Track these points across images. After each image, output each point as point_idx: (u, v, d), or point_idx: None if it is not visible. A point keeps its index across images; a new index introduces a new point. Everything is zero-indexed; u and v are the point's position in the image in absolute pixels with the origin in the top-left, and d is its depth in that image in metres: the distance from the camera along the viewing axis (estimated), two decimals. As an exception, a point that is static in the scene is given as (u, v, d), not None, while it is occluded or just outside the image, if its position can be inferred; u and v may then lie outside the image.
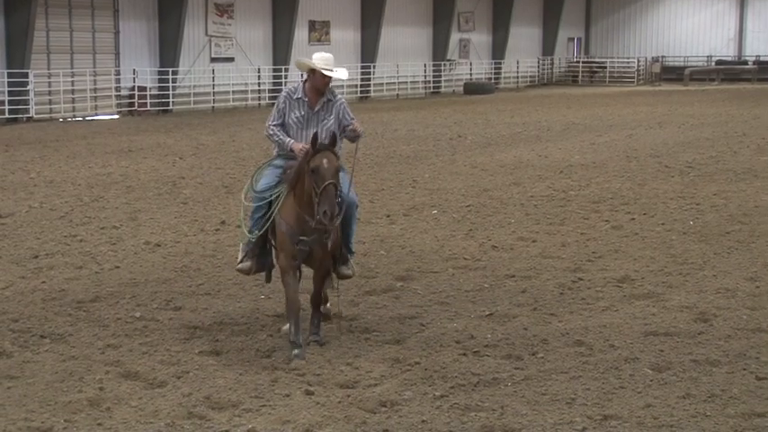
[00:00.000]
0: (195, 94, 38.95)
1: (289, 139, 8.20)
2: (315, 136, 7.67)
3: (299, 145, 8.00)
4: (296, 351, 7.64)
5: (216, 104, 39.69)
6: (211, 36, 40.24)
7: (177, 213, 14.74)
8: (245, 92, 41.60)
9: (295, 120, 8.28)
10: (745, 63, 61.30)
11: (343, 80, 8.71)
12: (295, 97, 8.37)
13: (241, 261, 8.39)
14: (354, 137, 8.34)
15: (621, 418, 6.38)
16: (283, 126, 8.30)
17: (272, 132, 8.32)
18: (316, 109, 8.31)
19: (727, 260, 11.11)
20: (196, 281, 10.39)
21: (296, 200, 7.77)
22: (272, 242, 8.21)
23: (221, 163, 21.21)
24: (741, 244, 11.96)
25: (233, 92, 40.77)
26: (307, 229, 7.70)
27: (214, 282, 10.35)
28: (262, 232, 8.10)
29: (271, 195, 8.04)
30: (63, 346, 8.03)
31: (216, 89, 40.15)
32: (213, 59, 40.37)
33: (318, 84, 8.35)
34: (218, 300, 9.60)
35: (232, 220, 14.07)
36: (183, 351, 7.90)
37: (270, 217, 7.98)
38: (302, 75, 8.75)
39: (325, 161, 7.48)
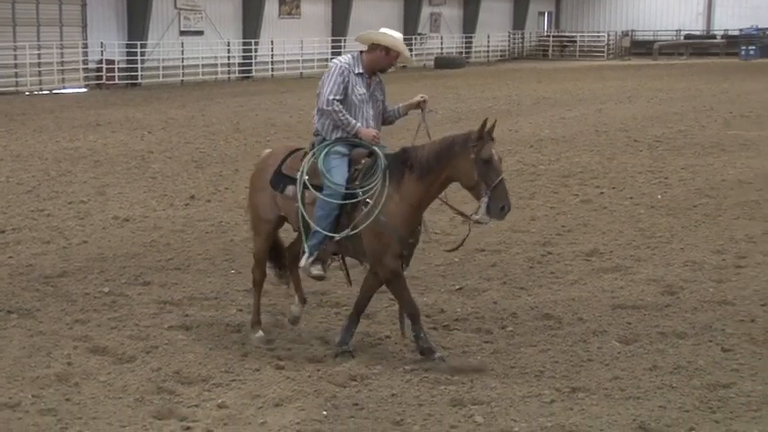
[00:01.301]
0: (164, 68, 38.65)
1: (355, 121, 7.20)
2: (485, 122, 6.96)
3: (371, 132, 7.25)
4: (438, 354, 7.02)
5: (185, 78, 39.41)
6: (180, 9, 39.92)
7: (146, 188, 14.65)
8: (215, 65, 41.34)
9: (359, 97, 7.27)
10: (714, 37, 61.57)
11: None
12: (356, 72, 7.28)
13: (311, 264, 7.30)
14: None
15: (589, 390, 6.44)
16: (342, 103, 7.20)
17: (337, 109, 7.12)
18: (372, 88, 7.40)
19: (695, 233, 11.19)
20: (165, 256, 10.35)
21: (406, 195, 7.02)
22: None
23: (191, 137, 21.08)
24: (708, 217, 12.05)
25: (202, 65, 40.51)
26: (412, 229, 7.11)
27: (184, 257, 10.32)
28: (354, 232, 7.04)
29: (362, 192, 7.02)
30: (31, 322, 7.98)
31: (185, 63, 39.86)
32: (182, 33, 40.07)
33: (384, 64, 7.40)
34: (187, 275, 9.57)
35: (202, 195, 14.02)
36: (152, 326, 7.88)
37: (371, 215, 6.96)
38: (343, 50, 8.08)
39: (495, 152, 6.86)
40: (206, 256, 10.34)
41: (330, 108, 7.13)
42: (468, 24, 58.32)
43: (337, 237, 7.10)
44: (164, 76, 38.45)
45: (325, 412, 6.14)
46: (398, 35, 7.41)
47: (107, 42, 36.02)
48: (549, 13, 67.29)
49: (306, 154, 7.36)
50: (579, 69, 47.64)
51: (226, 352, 7.26)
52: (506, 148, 18.76)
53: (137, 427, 5.95)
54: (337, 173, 7.08)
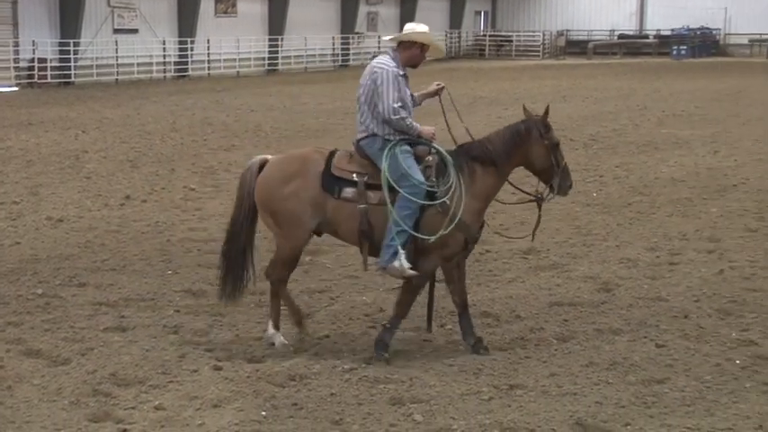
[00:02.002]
0: (98, 66, 38.17)
1: (415, 123, 7.29)
2: (547, 109, 7.45)
3: (431, 129, 7.35)
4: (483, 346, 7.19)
5: (119, 77, 38.95)
6: (114, 7, 39.45)
7: (80, 188, 14.46)
8: (150, 64, 40.93)
9: (408, 98, 7.32)
10: (646, 37, 62.47)
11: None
12: (401, 73, 7.27)
13: (408, 266, 7.00)
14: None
15: (527, 388, 6.49)
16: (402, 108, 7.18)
17: (403, 116, 7.15)
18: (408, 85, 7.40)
19: (629, 231, 11.34)
20: (100, 256, 10.22)
21: (482, 191, 7.18)
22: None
23: (126, 137, 20.84)
24: (642, 215, 12.22)
25: (137, 64, 40.07)
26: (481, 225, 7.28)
27: (119, 257, 10.20)
28: (445, 232, 6.93)
29: (443, 192, 7.02)
30: (-38, 325, 7.83)
31: (119, 61, 39.39)
32: (116, 31, 39.60)
33: (419, 60, 7.49)
34: (123, 275, 9.46)
35: (137, 195, 13.88)
36: (87, 328, 7.77)
37: (452, 216, 6.96)
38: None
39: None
40: (142, 256, 10.23)
41: (397, 117, 7.12)
42: (406, 23, 58.33)
43: (432, 239, 6.97)
44: (98, 74, 37.97)
45: (264, 413, 6.10)
46: (426, 28, 7.46)
47: (39, 41, 35.46)
48: (486, 13, 67.71)
49: (351, 155, 7.25)
50: (515, 69, 48.01)
51: (163, 353, 7.19)
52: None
53: (72, 431, 5.86)
54: (415, 171, 7.04)
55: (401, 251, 6.96)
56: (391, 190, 6.97)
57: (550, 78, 39.47)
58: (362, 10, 54.36)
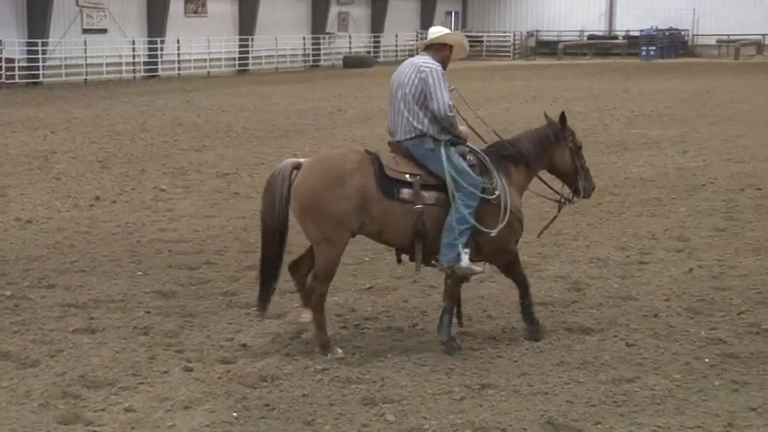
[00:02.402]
0: (67, 66, 37.96)
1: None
2: (563, 114, 7.90)
3: (465, 129, 7.45)
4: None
5: (89, 77, 38.75)
6: (83, 6, 39.24)
7: (49, 189, 14.36)
8: (120, 64, 40.74)
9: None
10: (616, 38, 62.86)
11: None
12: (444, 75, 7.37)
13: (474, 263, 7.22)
14: None
15: (498, 387, 6.50)
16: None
17: (454, 113, 7.24)
18: None
19: (599, 231, 11.40)
20: (70, 258, 10.15)
21: (518, 187, 7.47)
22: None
23: (95, 137, 20.72)
24: (612, 215, 12.29)
25: (106, 64, 39.87)
26: None
27: (89, 258, 10.13)
28: (502, 225, 7.15)
29: (494, 187, 7.20)
30: (-70, 327, 7.75)
31: (88, 61, 39.19)
32: (85, 31, 39.40)
33: (448, 61, 7.52)
34: (93, 277, 9.40)
35: (107, 196, 13.80)
36: (56, 330, 7.71)
37: (508, 208, 7.16)
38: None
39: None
40: (112, 257, 10.17)
41: (452, 114, 7.21)
42: (377, 24, 58.50)
43: (494, 232, 7.15)
44: (66, 74, 37.75)
45: (235, 414, 6.08)
46: (446, 29, 7.63)
47: (6, 40, 35.21)
48: (456, 13, 67.86)
49: (394, 156, 7.26)
50: (486, 69, 48.16)
51: (133, 355, 7.15)
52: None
53: (41, 434, 5.82)
54: (470, 170, 7.19)
55: (465, 250, 7.08)
56: (445, 189, 7.07)
57: (521, 79, 39.61)
58: (333, 10, 54.33)
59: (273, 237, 7.21)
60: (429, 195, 7.12)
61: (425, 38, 7.61)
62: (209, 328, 7.80)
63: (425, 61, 7.29)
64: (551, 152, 7.67)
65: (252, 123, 23.60)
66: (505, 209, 7.17)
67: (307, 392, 6.42)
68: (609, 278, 9.30)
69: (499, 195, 7.18)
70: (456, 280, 7.34)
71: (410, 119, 7.23)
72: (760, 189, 13.94)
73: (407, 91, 7.23)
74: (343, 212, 6.95)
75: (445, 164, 7.10)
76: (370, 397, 6.35)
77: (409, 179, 7.08)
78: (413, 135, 7.23)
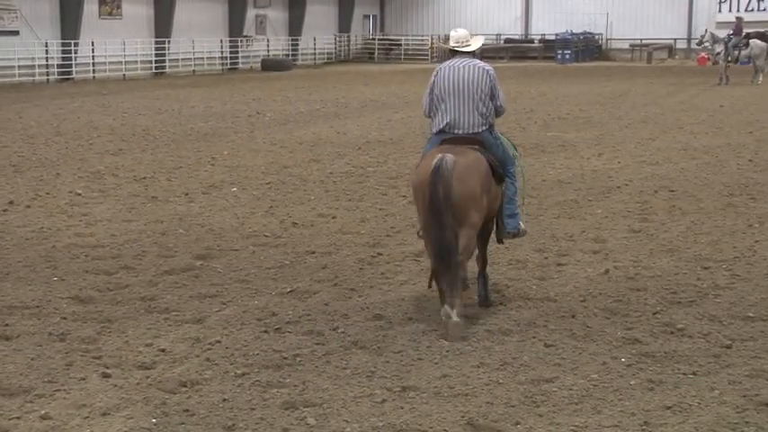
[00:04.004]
0: (-23, 69, 37.14)
1: None
2: None
3: None
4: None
5: (0, 80, 37.94)
6: (-6, 8, 38.44)
7: (-39, 193, 14.03)
8: (32, 66, 40.00)
9: None
10: (532, 42, 63.65)
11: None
12: None
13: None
14: None
15: (419, 389, 6.53)
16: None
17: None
18: None
19: (518, 233, 11.50)
20: (-17, 264, 9.93)
21: None
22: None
23: (7, 141, 20.31)
24: (530, 217, 12.41)
25: (18, 66, 39.11)
26: None
27: (2, 264, 9.92)
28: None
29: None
30: None
31: (0, 63, 38.39)
32: (-4, 32, 38.61)
33: None
34: (6, 283, 9.20)
35: (21, 200, 13.54)
36: (-31, 337, 7.54)
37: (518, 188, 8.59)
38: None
39: None
40: (26, 263, 9.98)
41: (506, 108, 8.56)
42: (295, 27, 58.37)
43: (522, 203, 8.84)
44: (-23, 77, 36.94)
45: (154, 420, 6.01)
46: (460, 33, 8.45)
47: None
48: (374, 17, 68.06)
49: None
50: (405, 72, 48.35)
51: (49, 361, 7.02)
52: (335, 151, 18.88)
53: (-46, 444, 5.68)
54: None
55: (521, 219, 8.68)
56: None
57: (439, 82, 39.76)
58: (251, 13, 54.08)
59: (449, 223, 7.61)
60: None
61: (450, 39, 8.43)
62: (128, 333, 7.70)
63: (483, 64, 8.32)
64: None
65: (169, 126, 23.37)
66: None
67: (227, 397, 6.38)
68: (527, 280, 9.41)
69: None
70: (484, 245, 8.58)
71: (485, 113, 8.18)
72: (673, 191, 14.24)
73: (482, 89, 8.16)
74: (488, 199, 7.99)
75: (512, 149, 8.62)
76: (291, 401, 6.33)
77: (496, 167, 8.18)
78: (486, 127, 8.22)
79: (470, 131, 8.10)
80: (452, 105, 8.10)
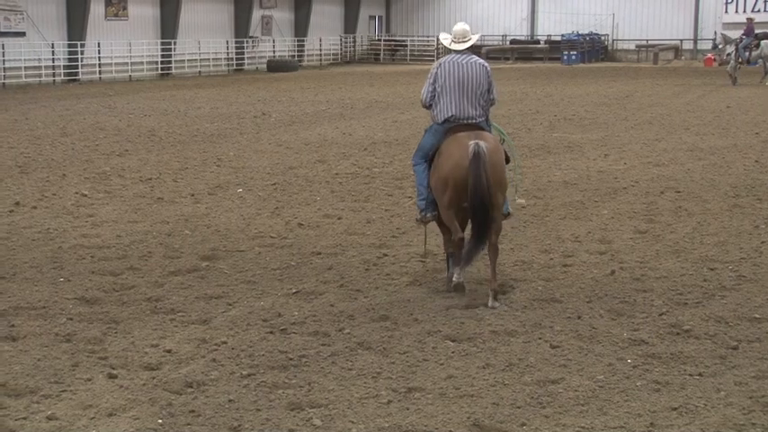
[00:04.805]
0: (-17, 70, 37.22)
1: None
2: None
3: None
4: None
5: (7, 81, 38.06)
6: (0, 9, 38.47)
7: (-33, 194, 14.06)
8: (39, 68, 40.07)
9: None
10: (538, 42, 63.60)
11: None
12: None
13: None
14: None
15: (425, 390, 6.53)
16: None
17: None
18: None
19: (524, 234, 11.51)
20: (-11, 265, 9.95)
21: None
22: None
23: (14, 142, 20.35)
24: (536, 218, 12.42)
25: (25, 68, 39.18)
26: None
27: (9, 265, 9.94)
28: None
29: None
30: None
31: (6, 65, 38.48)
32: (2, 34, 38.67)
33: None
34: (13, 284, 9.22)
35: (27, 201, 13.57)
36: (-24, 338, 7.55)
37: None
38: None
39: None
40: (32, 264, 9.99)
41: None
42: (300, 28, 58.38)
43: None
44: (-16, 78, 37.02)
45: (160, 420, 6.02)
46: (458, 29, 9.09)
47: None
48: (380, 18, 68.05)
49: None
50: (410, 73, 48.34)
51: (55, 362, 7.03)
52: (341, 152, 18.89)
53: (-39, 445, 5.70)
54: None
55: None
56: None
57: (445, 83, 39.73)
58: (256, 14, 54.09)
59: (486, 203, 8.35)
60: None
61: (452, 37, 9.00)
62: (134, 334, 7.71)
63: (481, 60, 8.98)
64: None
65: (175, 127, 23.39)
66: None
67: (233, 398, 6.38)
68: (533, 281, 9.40)
69: None
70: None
71: (484, 105, 8.91)
72: (679, 192, 14.22)
73: (481, 83, 8.84)
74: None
75: (505, 135, 9.75)
76: (296, 402, 6.34)
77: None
78: (484, 117, 8.94)
79: (472, 122, 8.82)
80: (456, 99, 8.79)
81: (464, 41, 8.96)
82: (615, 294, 8.87)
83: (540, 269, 9.85)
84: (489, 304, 8.45)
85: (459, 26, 9.10)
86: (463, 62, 8.84)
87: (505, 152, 8.97)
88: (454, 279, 8.94)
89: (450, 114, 8.79)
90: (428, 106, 9.00)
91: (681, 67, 54.75)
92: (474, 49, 9.40)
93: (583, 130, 22.52)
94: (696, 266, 9.89)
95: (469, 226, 8.63)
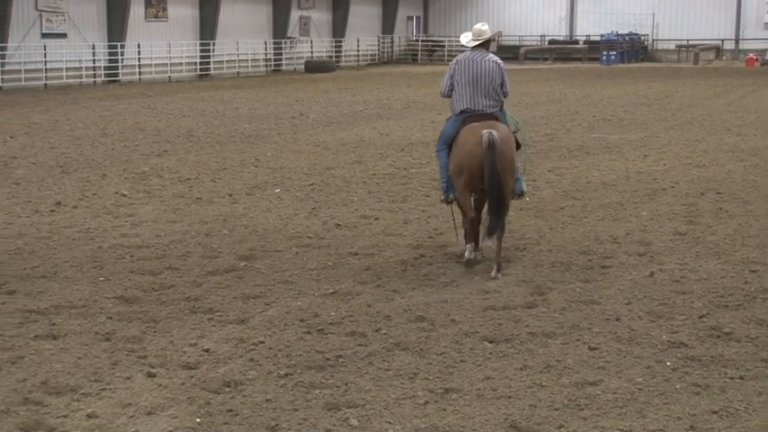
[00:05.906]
0: (26, 71, 37.64)
1: None
2: None
3: None
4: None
5: (48, 82, 38.45)
6: (42, 11, 38.91)
7: (9, 194, 14.22)
8: (80, 69, 40.44)
9: None
10: (576, 42, 63.30)
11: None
12: None
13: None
14: None
15: (462, 391, 6.52)
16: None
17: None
18: None
19: (562, 235, 11.46)
20: (30, 263, 10.06)
21: None
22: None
23: (55, 142, 20.55)
24: (574, 219, 12.36)
25: (66, 69, 39.57)
26: None
27: (50, 264, 10.04)
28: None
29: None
30: None
31: (48, 66, 38.88)
32: (44, 35, 39.08)
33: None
34: (54, 282, 9.32)
35: (68, 201, 13.70)
36: (17, 336, 7.64)
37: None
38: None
39: None
40: (73, 263, 10.09)
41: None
42: (338, 28, 58.49)
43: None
44: (26, 79, 37.44)
45: (198, 419, 6.05)
46: (474, 30, 10.04)
47: (-35, 45, 34.85)
48: (418, 18, 68.05)
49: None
50: (448, 74, 48.20)
51: (95, 361, 7.09)
52: (378, 152, 18.90)
53: (2, 441, 5.76)
54: None
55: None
56: None
57: (483, 84, 39.66)
58: (294, 15, 54.28)
59: (500, 186, 9.25)
60: None
61: (471, 36, 9.94)
62: (172, 333, 7.76)
63: (495, 58, 9.93)
64: None
65: (213, 128, 23.52)
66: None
67: (270, 398, 6.40)
68: (571, 282, 9.35)
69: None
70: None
71: (495, 97, 9.80)
72: (720, 193, 14.09)
73: (494, 79, 9.78)
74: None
75: (519, 123, 10.49)
76: (333, 402, 6.35)
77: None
78: (498, 108, 9.85)
79: (486, 112, 9.74)
80: (470, 93, 9.76)
81: (477, 39, 9.87)
82: (654, 296, 8.80)
83: (578, 270, 9.80)
84: (492, 274, 9.42)
85: (477, 26, 10.04)
86: (478, 59, 9.82)
87: (516, 140, 9.74)
88: (466, 255, 9.85)
89: (465, 107, 9.76)
90: (447, 96, 10.00)
91: (722, 67, 54.27)
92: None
93: (622, 131, 22.38)
94: (737, 268, 9.80)
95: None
